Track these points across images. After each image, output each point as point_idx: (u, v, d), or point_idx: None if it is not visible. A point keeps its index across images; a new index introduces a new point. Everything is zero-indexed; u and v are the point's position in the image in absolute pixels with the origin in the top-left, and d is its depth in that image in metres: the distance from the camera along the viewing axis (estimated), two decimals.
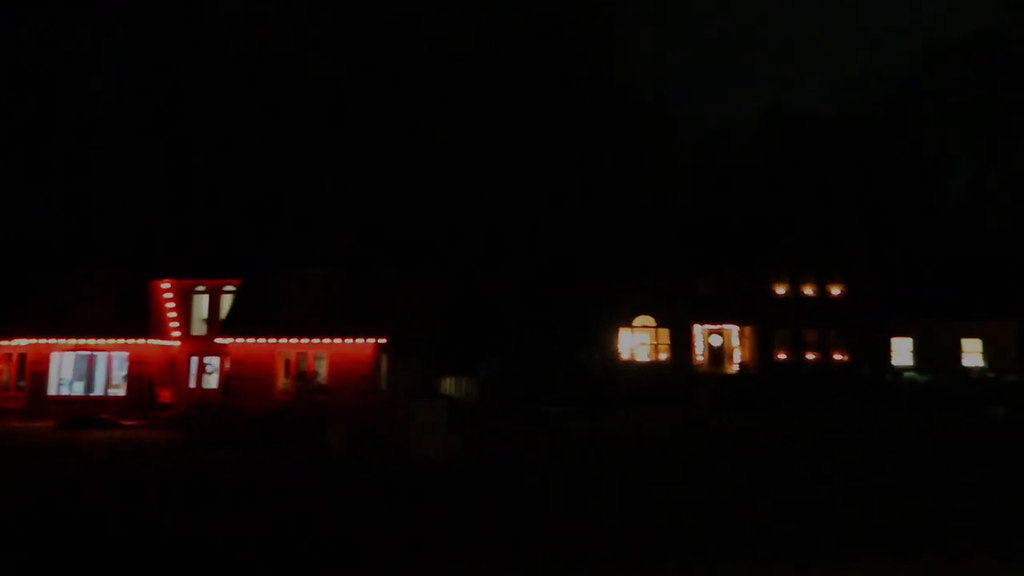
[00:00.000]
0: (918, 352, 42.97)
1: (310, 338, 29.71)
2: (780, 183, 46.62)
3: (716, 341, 44.87)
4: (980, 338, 43.24)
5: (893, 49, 72.65)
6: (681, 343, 43.75)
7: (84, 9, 45.32)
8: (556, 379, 45.40)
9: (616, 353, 44.03)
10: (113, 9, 41.56)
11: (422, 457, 19.05)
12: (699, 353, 44.74)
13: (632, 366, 43.78)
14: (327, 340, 29.62)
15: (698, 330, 44.61)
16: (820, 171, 48.90)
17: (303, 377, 28.53)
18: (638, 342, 44.23)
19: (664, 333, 44.00)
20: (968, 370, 42.07)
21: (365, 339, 29.38)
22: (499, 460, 19.50)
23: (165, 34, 40.29)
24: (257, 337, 29.96)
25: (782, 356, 43.09)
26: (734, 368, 44.33)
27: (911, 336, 43.15)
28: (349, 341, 29.47)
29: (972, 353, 43.27)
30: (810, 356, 42.96)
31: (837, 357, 42.80)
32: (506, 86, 47.17)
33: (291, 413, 27.52)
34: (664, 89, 53.52)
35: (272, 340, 29.94)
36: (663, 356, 43.84)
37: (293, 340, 29.83)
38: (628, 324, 44.05)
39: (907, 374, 41.89)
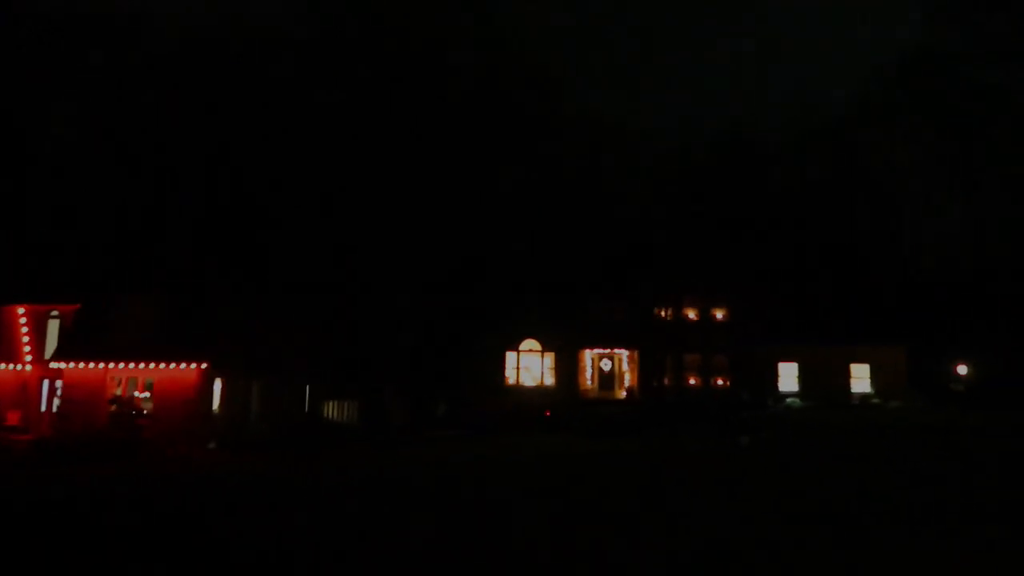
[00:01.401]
0: (804, 377, 42.58)
1: (137, 363, 29.95)
2: (675, 206, 46.54)
3: (607, 366, 44.66)
4: (868, 363, 42.79)
5: (830, 74, 72.56)
6: (567, 368, 43.57)
7: None
8: (444, 404, 45.42)
9: (504, 378, 43.91)
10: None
11: None
12: (588, 378, 44.58)
13: (519, 391, 43.60)
14: (153, 365, 29.84)
15: (588, 355, 44.49)
16: (725, 194, 48.82)
17: (118, 401, 28.70)
18: (524, 366, 44.10)
19: (550, 357, 43.87)
20: (852, 396, 41.62)
21: (188, 364, 29.56)
22: None
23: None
24: (87, 362, 30.23)
25: (666, 381, 42.85)
26: (623, 393, 44.07)
27: (797, 361, 42.80)
28: (173, 366, 29.67)
29: (860, 378, 42.81)
30: (693, 381, 42.71)
31: (720, 382, 42.51)
32: (398, 104, 47.48)
33: (106, 437, 28.00)
34: (588, 112, 53.41)
35: (102, 365, 30.20)
36: (548, 381, 43.69)
37: (122, 365, 30.08)
38: (514, 348, 43.96)
39: (788, 400, 41.57)
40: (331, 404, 42.69)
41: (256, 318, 35.42)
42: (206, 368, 29.71)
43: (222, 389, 31.28)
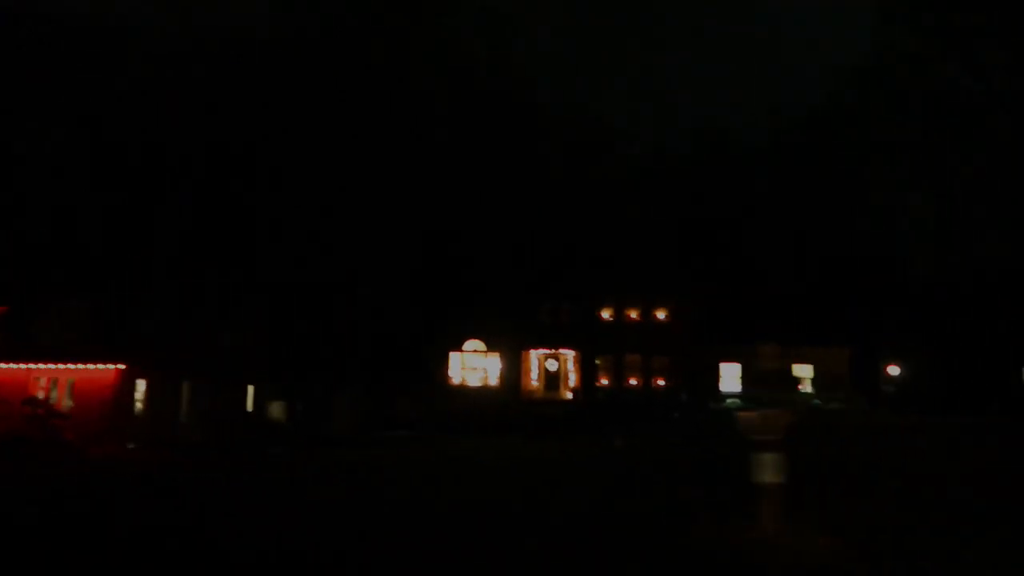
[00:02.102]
0: (747, 377, 42.64)
1: (58, 364, 30.37)
2: (624, 207, 46.65)
3: (552, 366, 44.83)
4: (812, 364, 42.85)
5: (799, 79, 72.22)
6: (512, 368, 43.79)
7: None
8: (391, 405, 45.67)
9: (448, 378, 44.17)
10: None
11: None
12: (534, 378, 44.77)
13: (464, 391, 43.85)
14: (73, 366, 30.26)
15: (534, 355, 44.67)
16: (675, 194, 48.89)
17: (32, 401, 29.06)
18: (469, 367, 44.35)
19: (495, 358, 44.10)
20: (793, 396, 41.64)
21: (106, 365, 29.96)
22: None
23: None
24: (10, 362, 30.69)
25: (607, 382, 43.02)
26: (569, 394, 44.20)
27: (740, 362, 42.88)
28: (92, 367, 30.08)
29: (804, 379, 42.86)
30: (633, 381, 42.85)
31: (662, 383, 42.62)
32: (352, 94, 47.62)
33: (25, 437, 28.42)
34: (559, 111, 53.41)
35: (24, 366, 30.64)
36: (493, 381, 43.92)
37: (43, 365, 30.53)
38: (459, 348, 44.21)
39: (728, 400, 41.62)
40: (277, 405, 43.00)
41: (189, 319, 35.75)
42: (124, 369, 30.07)
43: (146, 389, 31.65)
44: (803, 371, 42.78)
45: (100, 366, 29.95)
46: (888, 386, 40.81)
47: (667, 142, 53.73)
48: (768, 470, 9.40)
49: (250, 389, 40.96)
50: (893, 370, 41.20)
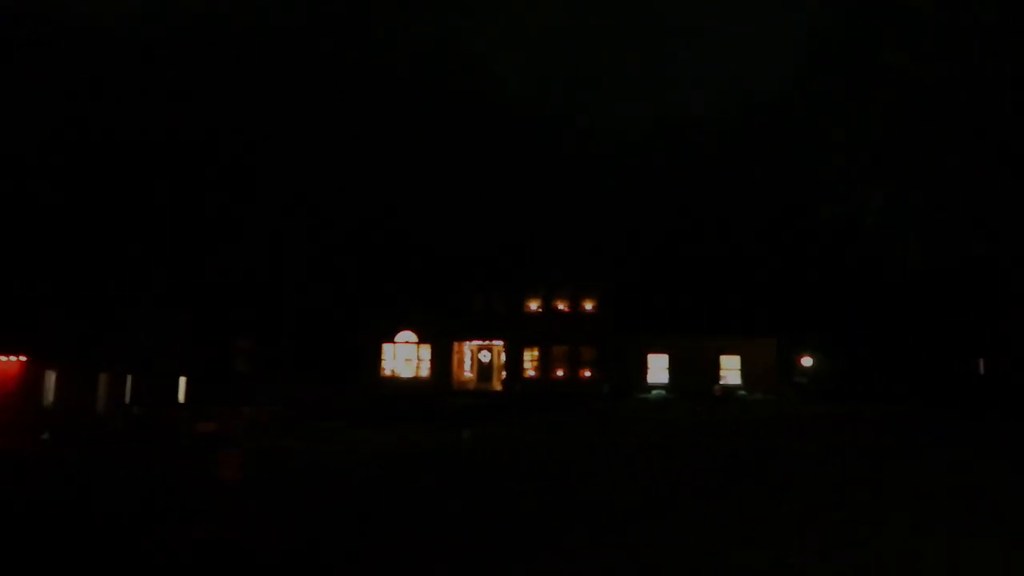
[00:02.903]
0: (675, 369, 42.96)
1: None
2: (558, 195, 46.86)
3: (485, 357, 45.13)
4: (739, 355, 43.13)
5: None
6: (444, 359, 44.05)
7: None
8: (325, 396, 45.88)
9: (381, 369, 44.44)
10: None
11: None
12: (467, 369, 45.09)
13: (395, 382, 44.14)
14: None
15: (467, 346, 44.99)
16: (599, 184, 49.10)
17: None
18: (402, 358, 44.61)
19: (427, 349, 44.38)
20: (714, 388, 41.92)
21: (8, 357, 30.15)
22: None
23: None
24: None
25: (535, 372, 43.35)
26: (501, 385, 44.49)
27: (668, 352, 43.17)
28: None
29: (731, 370, 43.16)
30: (561, 372, 43.17)
31: (588, 373, 42.92)
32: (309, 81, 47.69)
33: None
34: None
35: None
36: (424, 372, 44.21)
37: None
38: (391, 340, 44.46)
39: (654, 391, 42.01)
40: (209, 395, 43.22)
41: (107, 312, 35.97)
42: (27, 360, 30.27)
43: (55, 381, 31.85)
44: (731, 362, 43.07)
45: (3, 358, 30.11)
46: (801, 377, 41.21)
47: (602, 132, 53.65)
48: (226, 468, 10.37)
49: (182, 381, 41.33)
50: (806, 361, 41.59)
